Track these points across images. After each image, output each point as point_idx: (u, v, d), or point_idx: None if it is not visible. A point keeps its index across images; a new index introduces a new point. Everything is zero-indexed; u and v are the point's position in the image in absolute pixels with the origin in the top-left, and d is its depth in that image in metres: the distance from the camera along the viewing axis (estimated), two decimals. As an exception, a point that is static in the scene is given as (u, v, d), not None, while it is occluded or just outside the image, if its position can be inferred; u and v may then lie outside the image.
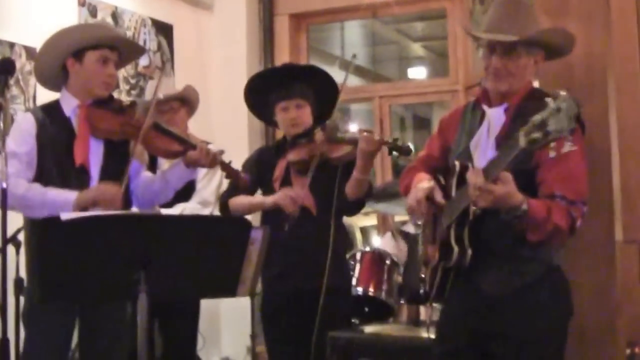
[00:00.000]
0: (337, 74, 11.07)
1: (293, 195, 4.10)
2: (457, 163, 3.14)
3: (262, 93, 4.34)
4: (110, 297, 3.32)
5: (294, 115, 4.26)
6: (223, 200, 4.38)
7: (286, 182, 4.26)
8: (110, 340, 3.80)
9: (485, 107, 3.23)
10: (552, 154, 2.74)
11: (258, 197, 4.33)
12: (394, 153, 3.97)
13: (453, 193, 3.11)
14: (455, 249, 3.04)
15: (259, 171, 4.33)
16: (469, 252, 3.03)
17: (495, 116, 3.17)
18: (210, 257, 2.95)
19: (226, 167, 3.98)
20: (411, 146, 4.06)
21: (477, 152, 3.17)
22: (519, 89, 3.16)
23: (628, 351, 3.97)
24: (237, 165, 4.14)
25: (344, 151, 4.11)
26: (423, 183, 3.25)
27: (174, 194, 4.07)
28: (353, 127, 10.06)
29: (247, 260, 3.02)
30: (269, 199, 4.20)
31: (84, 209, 3.62)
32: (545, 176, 2.99)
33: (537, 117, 2.57)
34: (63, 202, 3.61)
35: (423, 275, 3.35)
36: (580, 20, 3.52)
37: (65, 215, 2.77)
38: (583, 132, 3.09)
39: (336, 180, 4.14)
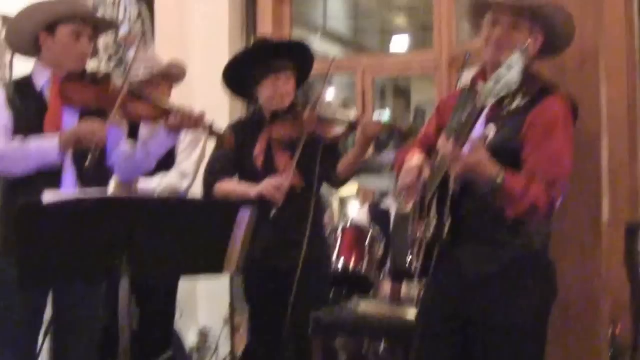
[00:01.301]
0: (319, 44, 11.09)
1: (277, 185, 4.09)
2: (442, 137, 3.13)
3: (245, 68, 4.30)
4: (92, 280, 3.29)
5: (283, 90, 4.25)
6: (210, 182, 4.35)
7: (268, 158, 4.25)
8: (85, 314, 3.77)
9: (480, 84, 3.19)
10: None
11: (242, 186, 4.28)
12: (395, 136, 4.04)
13: None
14: (434, 220, 3.04)
15: (239, 149, 4.28)
16: (448, 222, 3.02)
17: None
18: (196, 239, 2.93)
19: (209, 129, 3.93)
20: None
21: None
22: None
23: (611, 331, 3.99)
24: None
25: (339, 131, 4.10)
26: (412, 161, 3.26)
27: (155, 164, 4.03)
28: (330, 95, 10.02)
29: (233, 240, 2.99)
30: (253, 191, 4.15)
31: (68, 146, 3.61)
32: (528, 157, 2.99)
33: (494, 75, 2.66)
34: (48, 146, 3.59)
35: (410, 255, 3.35)
36: (572, 5, 3.49)
37: (47, 198, 2.73)
38: (575, 117, 3.10)
39: (317, 156, 4.13)
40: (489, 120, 3.07)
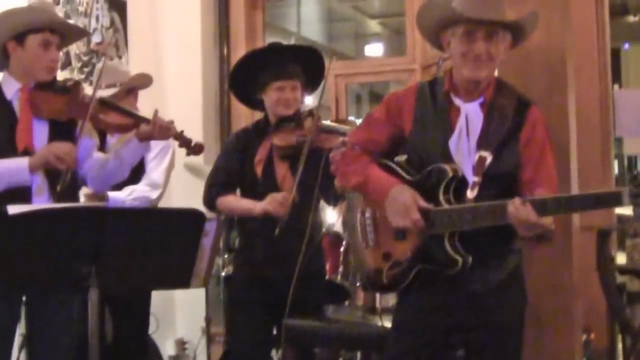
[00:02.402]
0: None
1: (281, 200, 4.02)
2: (447, 169, 3.01)
3: (257, 69, 4.23)
4: (61, 290, 3.26)
5: (290, 96, 4.18)
6: (212, 196, 4.26)
7: (269, 166, 4.20)
8: (59, 328, 3.72)
9: (458, 102, 3.12)
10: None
11: (247, 203, 4.19)
12: None
13: (441, 199, 3.01)
14: (459, 259, 2.98)
15: (241, 158, 4.25)
16: (470, 259, 2.99)
17: (473, 113, 3.09)
18: (164, 250, 2.91)
19: (179, 137, 3.91)
20: None
21: (459, 155, 3.05)
22: (490, 79, 3.10)
23: (584, 337, 3.98)
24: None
25: (338, 142, 4.06)
26: (403, 196, 3.06)
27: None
28: (308, 101, 10.01)
29: (200, 252, 2.97)
30: (258, 208, 4.08)
31: (38, 169, 3.57)
32: (530, 177, 3.01)
33: None
34: (16, 168, 3.55)
35: (366, 266, 3.31)
36: (539, 7, 3.47)
37: (12, 209, 2.70)
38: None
39: (319, 168, 4.07)
40: (479, 146, 3.02)
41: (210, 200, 4.28)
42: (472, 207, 2.95)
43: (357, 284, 4.70)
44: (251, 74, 4.26)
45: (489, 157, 2.96)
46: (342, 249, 4.77)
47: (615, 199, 2.61)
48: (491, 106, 3.06)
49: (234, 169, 4.27)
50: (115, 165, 3.87)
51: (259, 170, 4.19)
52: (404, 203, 3.03)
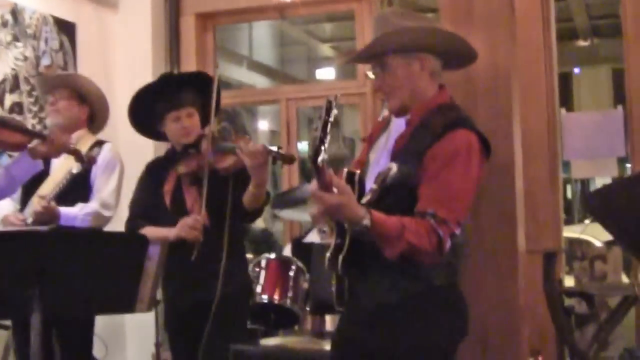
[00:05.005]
0: (245, 74, 11.08)
1: (192, 224, 4.00)
2: (345, 170, 3.00)
3: (149, 105, 4.23)
4: (2, 315, 3.21)
5: (187, 124, 4.17)
6: (131, 229, 4.20)
7: (177, 194, 4.18)
8: None
9: (393, 118, 3.16)
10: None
11: (161, 231, 4.11)
12: (278, 162, 3.94)
13: None
14: (340, 258, 2.92)
15: (152, 189, 4.24)
16: (341, 255, 2.89)
17: (396, 126, 3.11)
18: (107, 274, 2.88)
19: (74, 152, 3.92)
20: (294, 155, 4.03)
21: (374, 164, 3.10)
22: (425, 100, 3.06)
23: (532, 359, 3.99)
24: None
25: (229, 162, 4.04)
26: None
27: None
28: (263, 125, 9.93)
29: (144, 276, 2.95)
30: (171, 234, 4.03)
31: None
32: (422, 192, 2.89)
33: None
34: None
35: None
36: (485, 29, 3.50)
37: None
38: (488, 150, 3.02)
39: (228, 189, 4.07)
40: (393, 157, 3.01)
41: (131, 232, 4.16)
42: None
43: (307, 309, 4.70)
44: (147, 109, 4.25)
45: (394, 168, 2.95)
46: (291, 274, 4.77)
47: None
48: (419, 124, 3.02)
49: (148, 200, 4.25)
50: (6, 183, 3.84)
51: (167, 199, 4.18)
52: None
